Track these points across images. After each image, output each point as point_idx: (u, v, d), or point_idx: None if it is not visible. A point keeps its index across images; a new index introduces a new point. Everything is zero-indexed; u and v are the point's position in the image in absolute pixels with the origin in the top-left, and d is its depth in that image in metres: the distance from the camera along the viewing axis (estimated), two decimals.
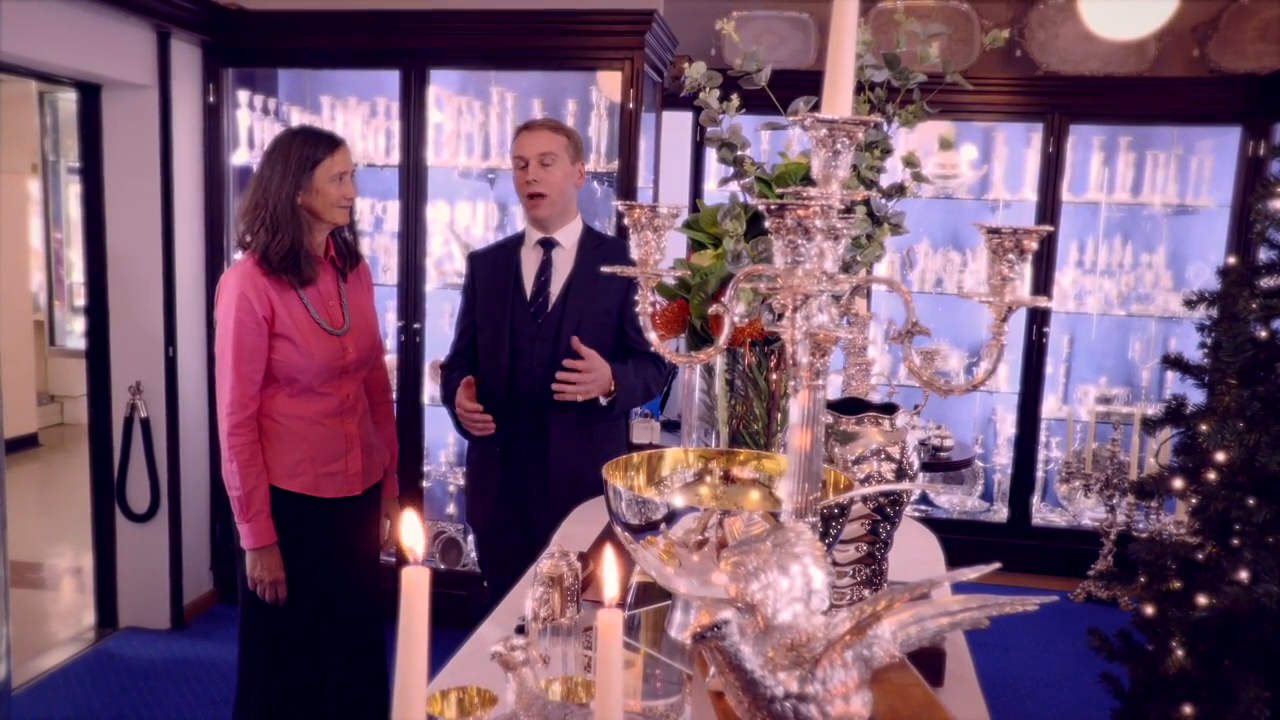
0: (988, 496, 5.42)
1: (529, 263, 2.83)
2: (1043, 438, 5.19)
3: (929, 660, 1.78)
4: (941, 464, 4.42)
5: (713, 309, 1.13)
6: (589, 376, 2.58)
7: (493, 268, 2.86)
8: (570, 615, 1.55)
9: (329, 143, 2.53)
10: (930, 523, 5.21)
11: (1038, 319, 4.98)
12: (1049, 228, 1.00)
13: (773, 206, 0.91)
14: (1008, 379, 5.22)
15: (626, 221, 1.12)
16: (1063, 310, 5.13)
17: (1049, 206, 4.92)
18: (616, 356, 2.74)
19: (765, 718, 0.91)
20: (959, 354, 5.36)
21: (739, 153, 1.76)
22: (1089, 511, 5.13)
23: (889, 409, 1.94)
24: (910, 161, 1.58)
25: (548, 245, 2.81)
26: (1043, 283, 4.95)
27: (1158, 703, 2.06)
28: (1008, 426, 5.28)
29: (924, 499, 5.44)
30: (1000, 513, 5.24)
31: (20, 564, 4.84)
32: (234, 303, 2.46)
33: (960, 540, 5.08)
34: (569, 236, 2.82)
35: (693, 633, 0.90)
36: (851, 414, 1.91)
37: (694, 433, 1.69)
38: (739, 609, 0.92)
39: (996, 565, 0.94)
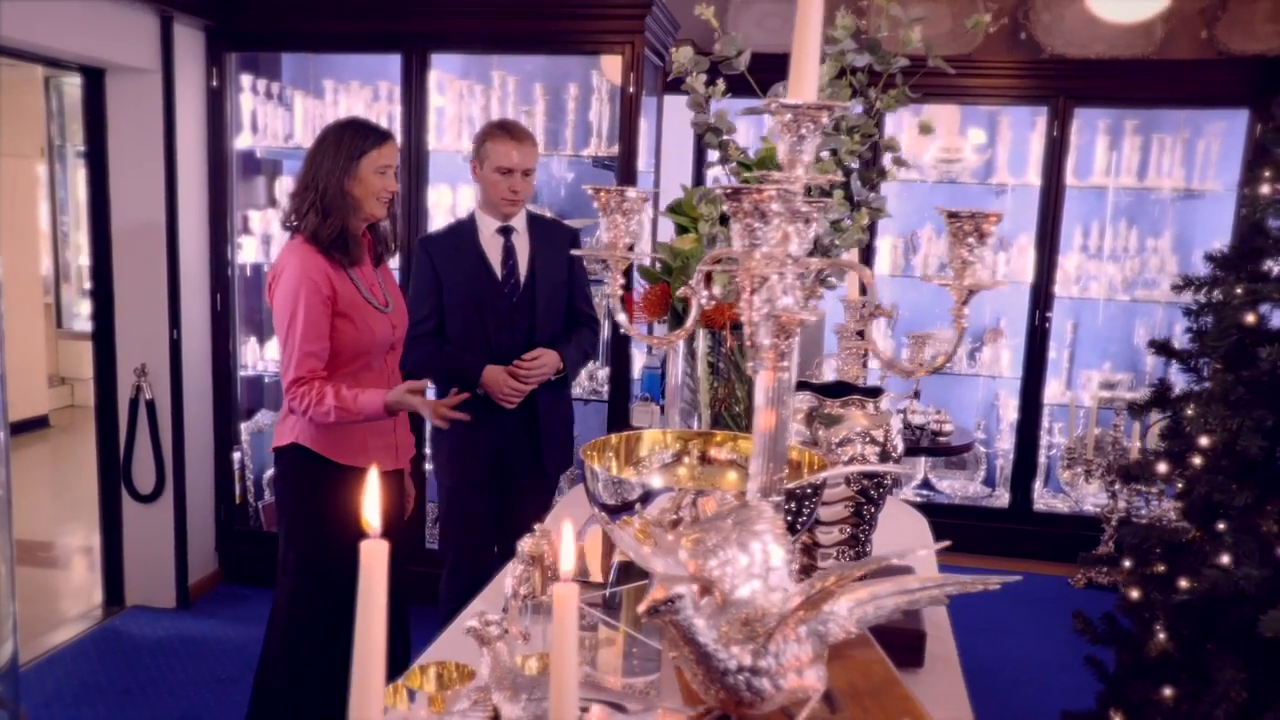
0: (990, 482, 5.42)
1: (492, 249, 3.14)
2: (1045, 423, 5.19)
3: (909, 641, 1.80)
4: (941, 448, 4.42)
5: (680, 291, 1.15)
6: (539, 372, 3.06)
7: (453, 254, 3.13)
8: (550, 593, 1.57)
9: (378, 136, 2.64)
10: (931, 508, 5.23)
11: (1040, 304, 4.98)
12: (1000, 212, 1.01)
13: (728, 190, 0.93)
14: (1010, 364, 5.22)
15: (595, 205, 1.14)
16: (1066, 295, 5.12)
17: (1053, 191, 4.90)
18: (568, 320, 3.23)
19: (719, 690, 0.93)
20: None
21: (724, 137, 1.77)
22: (1091, 497, 5.13)
23: (874, 392, 1.96)
24: (890, 146, 1.59)
25: (506, 232, 3.14)
26: (1046, 267, 4.94)
27: (1140, 685, 2.08)
28: (1010, 412, 5.28)
29: (925, 484, 5.45)
30: (1002, 498, 5.25)
31: (31, 543, 4.90)
32: (300, 285, 2.53)
33: (961, 525, 5.12)
34: (520, 221, 3.18)
35: (646, 607, 0.92)
36: (837, 397, 1.94)
37: (677, 414, 1.71)
38: (693, 584, 0.95)
39: (946, 544, 0.96)
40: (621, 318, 1.18)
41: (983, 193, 5.30)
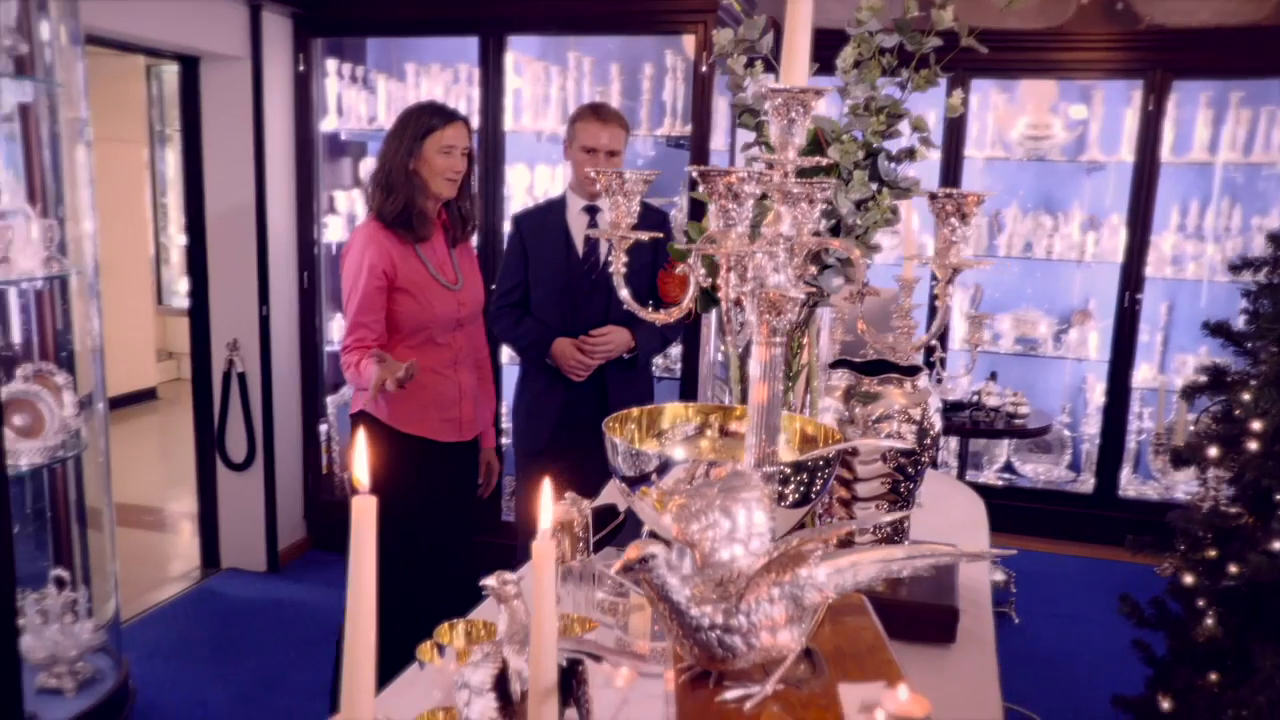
0: (1075, 467, 5.30)
1: (576, 226, 3.20)
2: (1135, 408, 5.04)
3: (942, 617, 1.80)
4: (1016, 431, 4.34)
5: (679, 269, 1.19)
6: (605, 348, 3.14)
7: (541, 230, 3.22)
8: (580, 559, 1.64)
9: (444, 116, 2.74)
10: (1013, 491, 5.15)
11: (1131, 284, 4.83)
12: (990, 193, 1.03)
13: (700, 172, 0.97)
14: (1098, 346, 5.08)
15: (599, 187, 1.18)
16: (1159, 276, 4.95)
17: (1146, 167, 4.74)
18: (652, 302, 3.16)
19: (693, 645, 0.98)
20: (1048, 320, 5.24)
21: (760, 119, 1.80)
22: (1183, 485, 4.96)
23: (912, 370, 1.96)
24: (918, 126, 1.60)
25: (592, 211, 3.22)
26: (1138, 247, 4.79)
27: (1186, 671, 2.04)
28: (1097, 395, 5.14)
29: (1008, 467, 5.35)
30: (1087, 483, 5.12)
31: (138, 508, 5.22)
32: (360, 261, 2.69)
33: (1044, 510, 5.02)
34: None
35: (619, 566, 0.97)
36: (876, 374, 1.95)
37: (709, 389, 1.75)
38: (667, 544, 0.99)
39: (829, 538, 0.98)
40: (624, 293, 1.23)
41: (1073, 170, 5.16)
